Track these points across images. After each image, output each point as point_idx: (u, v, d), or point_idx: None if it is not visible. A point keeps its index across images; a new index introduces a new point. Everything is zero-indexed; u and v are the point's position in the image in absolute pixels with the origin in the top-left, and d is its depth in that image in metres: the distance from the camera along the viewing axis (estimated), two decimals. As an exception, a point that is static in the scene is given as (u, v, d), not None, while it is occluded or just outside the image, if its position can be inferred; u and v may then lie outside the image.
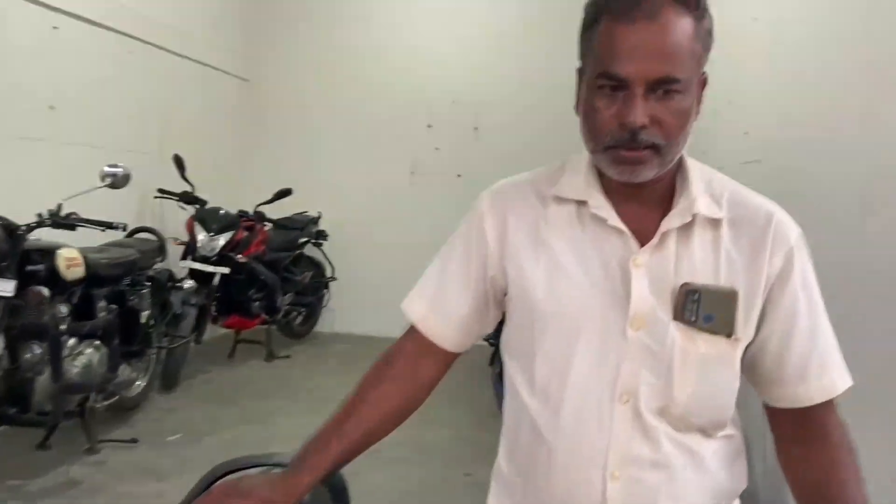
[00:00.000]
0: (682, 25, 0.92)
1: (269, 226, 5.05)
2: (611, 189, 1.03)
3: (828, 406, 1.01)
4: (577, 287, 1.01)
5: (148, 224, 4.31)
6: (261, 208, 4.89)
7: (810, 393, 1.01)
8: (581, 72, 1.01)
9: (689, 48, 0.93)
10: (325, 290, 5.82)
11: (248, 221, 4.77)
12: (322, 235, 5.69)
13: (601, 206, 1.02)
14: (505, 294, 1.10)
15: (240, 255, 4.53)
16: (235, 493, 0.94)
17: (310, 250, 5.67)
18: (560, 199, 1.05)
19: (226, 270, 4.41)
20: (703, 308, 0.97)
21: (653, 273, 0.99)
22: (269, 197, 4.88)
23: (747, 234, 1.01)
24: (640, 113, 0.91)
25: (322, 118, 6.04)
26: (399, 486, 3.22)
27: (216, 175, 5.50)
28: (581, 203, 1.04)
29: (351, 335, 5.89)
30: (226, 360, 5.05)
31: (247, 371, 4.90)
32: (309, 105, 6.04)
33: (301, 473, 0.99)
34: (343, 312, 5.99)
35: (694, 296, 0.97)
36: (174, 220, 4.74)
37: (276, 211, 5.09)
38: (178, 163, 4.55)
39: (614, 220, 1.01)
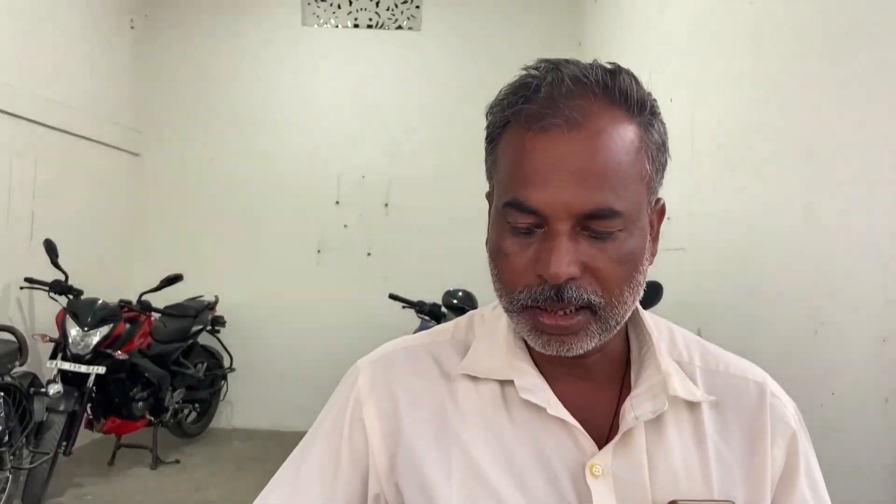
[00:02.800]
0: (621, 135, 0.66)
1: (155, 316, 4.55)
2: (543, 359, 0.74)
3: None
4: None
5: (11, 318, 3.76)
6: (147, 297, 4.39)
7: None
8: (489, 197, 0.74)
9: (633, 169, 0.66)
10: (222, 382, 5.29)
11: (130, 312, 4.26)
12: (219, 322, 5.20)
13: (534, 387, 0.72)
14: None
15: (119, 352, 4.00)
16: None
17: (205, 339, 5.16)
18: (473, 378, 0.75)
19: (101, 370, 3.87)
20: None
21: (621, 485, 0.69)
22: (157, 284, 4.39)
23: (737, 418, 0.74)
24: (564, 261, 0.64)
25: (219, 194, 5.63)
26: None
27: (99, 261, 4.98)
28: (504, 383, 0.74)
29: (252, 430, 5.39)
30: (104, 470, 4.43)
31: (128, 482, 4.29)
32: (205, 180, 5.63)
33: None
34: (243, 405, 5.49)
35: None
36: (44, 314, 4.19)
37: (167, 297, 4.61)
38: (50, 248, 4.04)
39: (556, 407, 0.71)
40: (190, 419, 5.09)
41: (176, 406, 4.71)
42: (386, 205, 5.69)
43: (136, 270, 5.41)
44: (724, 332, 2.32)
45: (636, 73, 0.71)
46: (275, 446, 4.87)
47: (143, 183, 5.57)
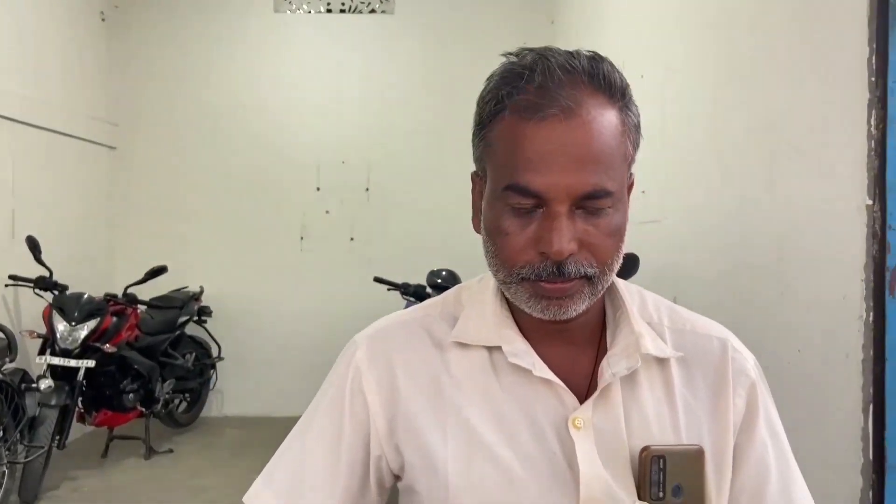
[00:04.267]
0: (609, 121, 0.72)
1: (142, 308, 4.58)
2: (527, 326, 0.80)
3: None
4: (504, 466, 0.76)
5: (-3, 317, 3.78)
6: (132, 289, 4.41)
7: None
8: (479, 178, 0.79)
9: (620, 151, 0.73)
10: (211, 372, 5.33)
11: (116, 305, 4.29)
12: (205, 312, 5.23)
13: (521, 351, 0.79)
14: (397, 478, 0.83)
15: (107, 345, 4.03)
16: None
17: (192, 329, 5.19)
18: (463, 345, 0.81)
19: (91, 363, 3.90)
20: (669, 477, 0.75)
21: (601, 436, 0.76)
22: (141, 276, 4.42)
23: (702, 372, 0.82)
24: (566, 239, 0.70)
25: (199, 184, 5.63)
26: None
27: (81, 256, 4.99)
28: (493, 349, 0.80)
29: (243, 417, 5.45)
30: (98, 462, 4.47)
31: (122, 473, 4.34)
32: (184, 171, 5.62)
33: None
34: (233, 393, 5.54)
35: (658, 463, 0.75)
36: (30, 310, 4.21)
37: (151, 290, 4.64)
38: (33, 245, 4.04)
39: (541, 369, 0.78)
40: (181, 409, 5.13)
41: (166, 396, 4.75)
42: (367, 189, 5.72)
43: (118, 264, 5.42)
44: (699, 299, 2.41)
45: (609, 51, 0.76)
46: (266, 432, 4.92)
47: (121, 176, 5.56)
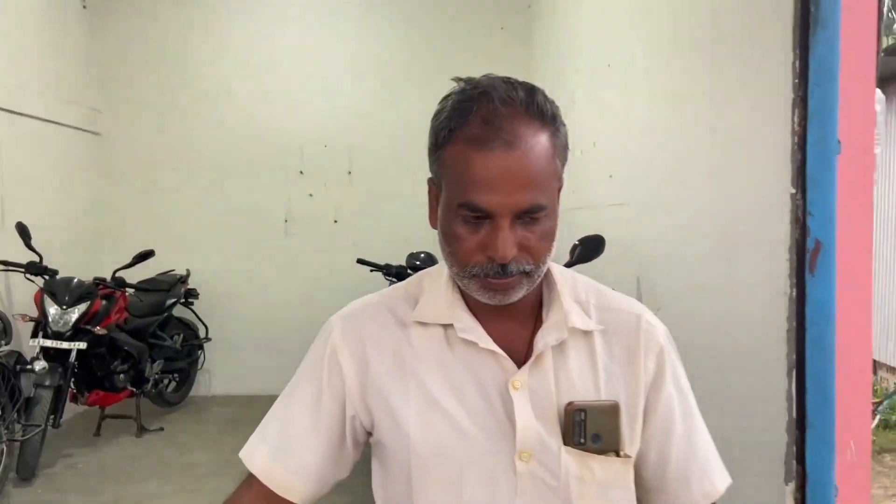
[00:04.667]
0: (542, 146, 0.87)
1: (130, 291, 4.70)
2: (476, 307, 0.96)
3: None
4: (457, 424, 0.93)
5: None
6: (120, 273, 4.53)
7: (693, 497, 0.99)
8: (435, 186, 0.94)
9: (551, 169, 0.88)
10: (199, 352, 5.47)
11: (106, 289, 4.41)
12: (192, 294, 5.36)
13: (470, 328, 0.95)
14: (369, 433, 1.00)
15: (98, 327, 4.16)
16: None
17: (180, 311, 5.33)
18: (423, 324, 0.97)
19: (82, 345, 4.03)
20: (590, 427, 0.92)
21: (535, 395, 0.93)
22: (129, 260, 4.53)
23: (619, 341, 0.98)
24: (508, 245, 0.86)
25: (184, 170, 5.73)
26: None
27: (71, 240, 5.09)
28: (447, 326, 0.96)
29: (231, 397, 5.59)
30: (91, 440, 4.62)
31: (115, 451, 4.49)
32: (169, 157, 5.72)
33: None
34: (221, 373, 5.69)
35: (580, 415, 0.92)
36: (22, 295, 4.32)
37: (139, 273, 4.75)
38: (22, 231, 4.15)
39: (487, 342, 0.94)
40: (170, 389, 5.28)
41: (156, 377, 4.89)
42: (349, 173, 5.84)
43: (105, 248, 5.52)
44: (659, 278, 2.58)
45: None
46: (254, 410, 5.02)
47: (106, 162, 5.64)
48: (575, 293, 1.00)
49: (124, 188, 5.70)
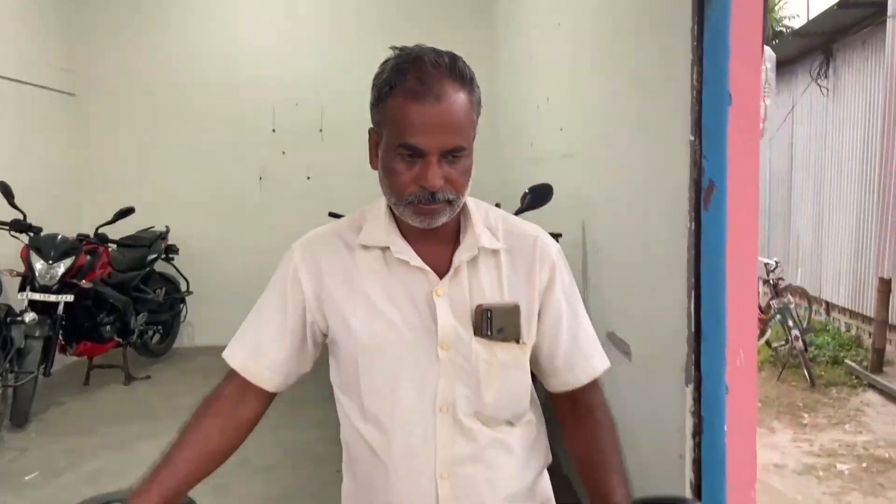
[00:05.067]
0: (462, 101, 1.11)
1: (113, 247, 4.90)
2: (408, 232, 1.21)
3: (594, 389, 1.27)
4: (393, 324, 1.18)
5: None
6: (103, 229, 4.73)
7: (578, 376, 1.26)
8: (376, 133, 1.19)
9: (469, 119, 1.12)
10: (181, 305, 5.71)
11: (89, 245, 4.61)
12: (172, 250, 5.58)
13: (402, 249, 1.20)
14: (325, 335, 1.25)
15: (83, 281, 4.38)
16: None
17: (162, 266, 5.54)
18: (366, 247, 1.22)
19: (69, 298, 4.25)
20: (495, 323, 1.18)
21: (453, 300, 1.18)
22: (110, 217, 4.72)
23: (520, 256, 1.24)
24: (437, 177, 1.10)
25: (160, 129, 5.88)
26: (271, 493, 3.33)
27: (51, 199, 5.25)
28: (384, 249, 1.21)
29: (213, 347, 5.71)
30: (81, 389, 4.87)
31: (104, 397, 4.75)
32: (144, 116, 5.86)
33: None
34: (203, 325, 5.93)
35: (487, 314, 1.18)
36: (8, 251, 4.50)
37: (120, 230, 4.95)
38: (5, 190, 4.31)
39: (416, 260, 1.19)
40: (155, 340, 5.52)
41: (141, 328, 5.13)
42: (321, 130, 6.02)
43: (84, 206, 5.70)
44: (599, 222, 2.85)
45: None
46: (236, 358, 5.34)
47: (81, 122, 5.77)
48: (486, 220, 1.25)
49: (101, 148, 5.84)
